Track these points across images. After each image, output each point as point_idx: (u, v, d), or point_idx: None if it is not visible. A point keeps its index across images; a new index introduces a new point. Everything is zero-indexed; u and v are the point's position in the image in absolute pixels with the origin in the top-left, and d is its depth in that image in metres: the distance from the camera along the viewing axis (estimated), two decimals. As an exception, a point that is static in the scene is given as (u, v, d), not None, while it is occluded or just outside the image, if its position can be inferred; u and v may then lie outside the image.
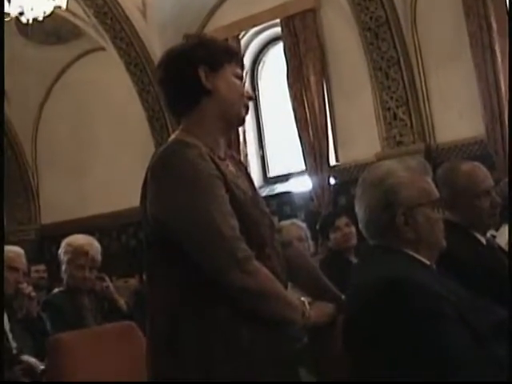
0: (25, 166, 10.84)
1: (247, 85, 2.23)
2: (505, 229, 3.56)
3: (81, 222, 9.83)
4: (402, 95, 7.56)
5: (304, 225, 4.49)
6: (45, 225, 10.66)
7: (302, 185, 8.34)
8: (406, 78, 7.52)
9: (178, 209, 1.97)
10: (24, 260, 4.22)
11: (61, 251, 4.35)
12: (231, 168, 2.18)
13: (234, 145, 8.28)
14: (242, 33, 8.84)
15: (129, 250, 9.71)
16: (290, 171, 8.70)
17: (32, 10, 6.31)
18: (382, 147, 7.69)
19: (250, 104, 2.30)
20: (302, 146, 8.15)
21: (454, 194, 2.89)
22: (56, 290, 4.42)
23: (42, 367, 3.64)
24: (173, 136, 2.17)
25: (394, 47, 7.51)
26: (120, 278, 9.14)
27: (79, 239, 4.42)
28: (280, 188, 8.62)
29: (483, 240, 2.93)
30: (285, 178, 8.73)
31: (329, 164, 8.05)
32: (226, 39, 8.63)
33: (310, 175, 8.11)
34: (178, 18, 8.77)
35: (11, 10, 6.33)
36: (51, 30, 8.99)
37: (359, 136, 7.89)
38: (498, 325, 2.05)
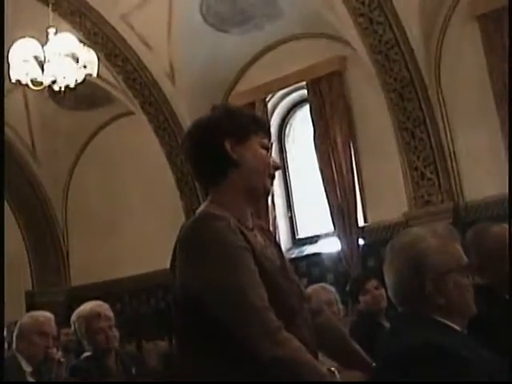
0: (55, 228, 10.94)
1: (274, 155, 2.24)
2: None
3: (110, 285, 9.88)
4: (428, 155, 7.57)
5: (333, 288, 4.47)
6: (74, 287, 10.71)
7: (331, 246, 8.31)
8: (432, 138, 7.55)
9: (207, 282, 1.97)
10: (53, 324, 4.24)
11: (75, 328, 4.31)
12: (259, 238, 2.20)
13: (263, 208, 8.31)
14: (269, 95, 8.95)
15: (158, 312, 9.68)
16: (319, 233, 8.69)
17: (64, 78, 6.46)
18: (410, 207, 7.68)
19: None
20: (330, 207, 8.15)
21: (483, 257, 2.87)
22: (83, 355, 4.39)
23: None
24: (201, 207, 2.19)
25: (420, 107, 7.56)
26: (150, 341, 9.11)
27: (85, 307, 4.41)
28: (309, 249, 8.60)
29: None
30: (314, 239, 8.72)
31: (357, 225, 8.03)
32: (253, 102, 8.77)
33: (338, 236, 8.09)
34: (205, 82, 8.92)
35: (44, 78, 6.49)
36: (82, 96, 9.18)
37: (387, 196, 7.88)
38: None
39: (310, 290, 4.31)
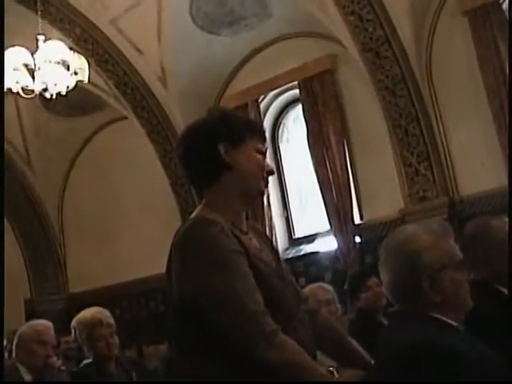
0: (51, 235, 10.93)
1: (268, 155, 2.27)
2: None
3: (109, 290, 9.87)
4: (422, 150, 7.59)
5: (331, 288, 4.47)
6: (73, 293, 10.70)
7: (328, 245, 8.32)
8: (425, 133, 7.56)
9: (202, 287, 1.98)
10: (52, 333, 4.24)
11: (76, 334, 4.31)
12: (254, 241, 2.20)
13: (259, 208, 8.32)
14: (261, 96, 8.96)
15: (157, 316, 9.69)
16: (316, 231, 8.70)
17: (55, 85, 6.46)
18: (406, 203, 7.69)
19: (274, 166, 2.31)
20: (325, 206, 8.16)
21: (482, 250, 2.87)
22: (84, 362, 4.39)
23: None
24: (195, 213, 2.20)
25: (412, 103, 7.57)
26: (150, 345, 9.11)
27: (86, 313, 4.40)
28: (306, 249, 8.61)
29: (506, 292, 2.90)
30: (310, 238, 8.73)
31: (353, 223, 8.04)
32: (246, 103, 8.78)
33: (335, 235, 8.10)
34: (197, 85, 8.92)
35: (35, 86, 6.48)
36: (74, 102, 9.18)
37: (382, 193, 7.90)
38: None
39: (307, 289, 4.31)
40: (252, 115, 8.73)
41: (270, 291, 2.04)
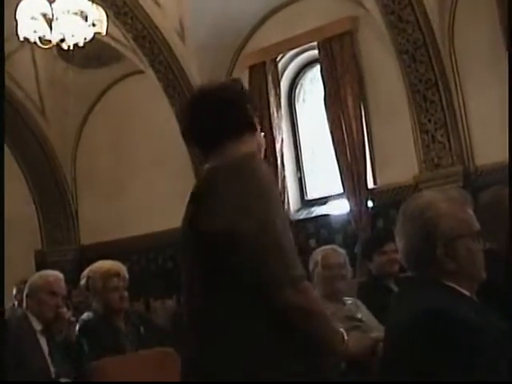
0: (64, 186, 10.95)
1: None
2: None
3: (118, 244, 9.92)
4: (440, 117, 7.51)
5: (343, 251, 4.45)
6: (83, 245, 10.77)
7: (340, 208, 8.30)
8: (444, 101, 7.48)
9: (247, 213, 2.01)
10: (63, 284, 4.25)
11: (87, 281, 4.31)
12: None
13: (272, 167, 8.29)
14: (280, 55, 8.87)
15: (166, 271, 9.74)
16: (328, 194, 8.67)
17: (73, 36, 6.40)
18: (420, 170, 7.64)
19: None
20: (339, 169, 8.13)
21: (499, 219, 2.84)
22: (91, 315, 4.38)
23: (81, 392, 3.67)
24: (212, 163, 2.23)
25: (432, 69, 7.48)
26: (157, 300, 9.19)
27: (105, 264, 4.41)
28: (318, 211, 8.60)
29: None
30: (323, 200, 8.71)
31: (367, 187, 8.01)
32: (264, 62, 8.70)
33: (347, 198, 8.08)
34: (215, 41, 8.84)
35: (53, 36, 6.43)
36: (91, 54, 9.12)
37: (397, 159, 7.85)
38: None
39: (320, 251, 4.31)
40: (270, 74, 8.67)
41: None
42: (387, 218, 7.70)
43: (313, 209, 8.71)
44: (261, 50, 8.79)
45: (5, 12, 7.28)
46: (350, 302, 4.17)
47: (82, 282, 4.36)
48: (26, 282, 4.34)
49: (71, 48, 6.50)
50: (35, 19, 6.38)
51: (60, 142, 10.79)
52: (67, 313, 4.17)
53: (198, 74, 8.96)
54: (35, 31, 6.40)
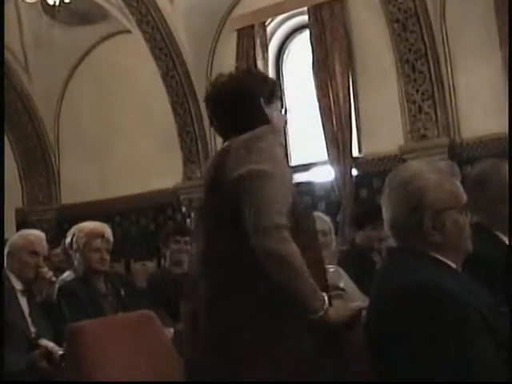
0: (46, 145, 10.85)
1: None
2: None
3: (100, 204, 9.88)
4: (427, 88, 7.48)
5: (328, 218, 4.43)
6: (65, 205, 10.71)
7: (324, 175, 8.29)
8: (432, 72, 7.44)
9: (258, 172, 2.24)
10: (45, 244, 4.24)
11: (72, 239, 4.31)
12: None
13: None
14: (269, 20, 8.77)
15: (147, 233, 9.74)
16: (312, 161, 8.65)
17: (59, -9, 6.30)
18: (406, 140, 7.63)
19: None
20: (325, 136, 8.09)
21: (491, 192, 2.82)
22: (72, 274, 4.37)
23: (61, 352, 3.65)
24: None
25: (422, 39, 7.43)
26: (138, 261, 9.18)
27: (90, 224, 4.41)
28: (301, 177, 8.56)
29: (506, 240, 2.89)
30: (306, 167, 8.68)
31: (351, 155, 7.99)
32: (252, 26, 8.60)
33: (331, 165, 8.06)
34: (204, 3, 8.72)
35: (39, -9, 6.32)
36: (78, 11, 8.98)
37: (383, 128, 7.82)
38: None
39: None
40: (258, 38, 8.59)
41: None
42: (371, 187, 7.71)
43: (296, 175, 8.67)
44: (250, 13, 8.68)
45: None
46: (332, 270, 4.16)
47: (68, 239, 4.35)
48: (6, 240, 4.31)
49: (57, 4, 6.39)
50: (21, -27, 6.27)
51: (43, 100, 10.67)
52: (48, 273, 4.15)
53: (185, 36, 8.86)
54: (20, -15, 6.29)
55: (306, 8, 8.30)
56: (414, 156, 7.32)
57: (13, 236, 4.30)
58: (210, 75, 8.90)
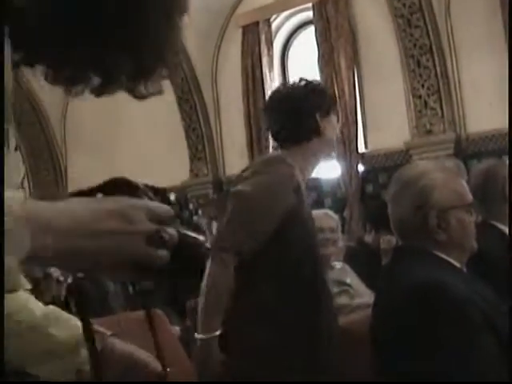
0: (53, 143, 10.89)
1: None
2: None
3: (107, 202, 9.89)
4: (433, 83, 7.47)
5: (336, 216, 4.43)
6: (72, 203, 10.71)
7: (330, 171, 8.28)
8: (437, 67, 7.43)
9: (245, 197, 2.44)
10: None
11: None
12: None
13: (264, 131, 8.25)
14: (274, 16, 8.77)
15: (154, 231, 9.73)
16: (318, 157, 8.64)
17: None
18: (412, 135, 7.62)
19: None
20: (330, 132, 8.08)
21: (495, 190, 2.83)
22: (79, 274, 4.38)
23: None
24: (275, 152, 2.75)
25: (427, 35, 7.41)
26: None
27: None
28: (307, 173, 8.58)
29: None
30: (312, 163, 8.69)
31: (357, 151, 7.98)
32: (257, 22, 8.60)
33: (338, 161, 8.06)
34: (209, 0, 8.71)
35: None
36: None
37: (389, 123, 7.81)
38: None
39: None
40: (263, 34, 8.59)
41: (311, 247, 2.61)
42: (377, 182, 7.70)
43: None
44: (254, 10, 8.67)
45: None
46: (338, 266, 4.17)
47: None
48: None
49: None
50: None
51: (50, 98, 10.68)
52: (55, 272, 4.18)
53: (191, 33, 8.73)
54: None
55: (310, 4, 8.29)
56: (419, 151, 7.31)
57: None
58: (216, 72, 8.92)
